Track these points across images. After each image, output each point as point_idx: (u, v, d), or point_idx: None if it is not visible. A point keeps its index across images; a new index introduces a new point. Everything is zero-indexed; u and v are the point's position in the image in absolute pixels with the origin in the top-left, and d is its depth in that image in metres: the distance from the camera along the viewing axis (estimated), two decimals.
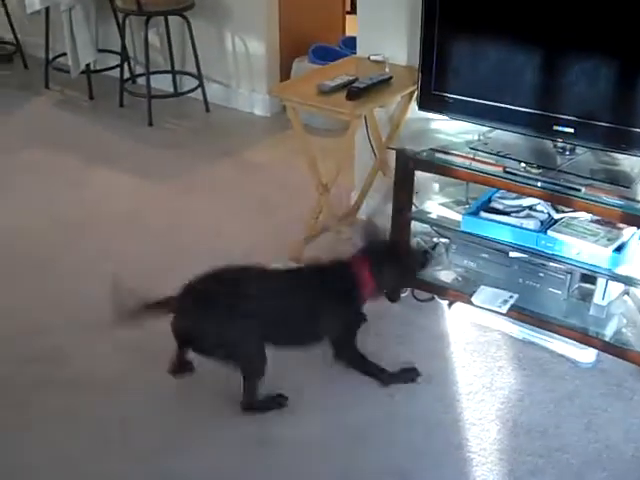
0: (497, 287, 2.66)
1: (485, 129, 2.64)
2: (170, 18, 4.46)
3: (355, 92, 2.68)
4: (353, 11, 5.53)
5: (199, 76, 4.53)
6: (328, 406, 2.43)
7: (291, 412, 2.37)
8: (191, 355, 2.41)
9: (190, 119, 4.57)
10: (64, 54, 4.69)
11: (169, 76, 4.75)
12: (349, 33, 4.90)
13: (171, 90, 4.75)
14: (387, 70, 2.87)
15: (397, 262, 2.44)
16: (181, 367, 2.45)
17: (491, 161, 2.54)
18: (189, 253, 3.15)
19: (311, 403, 2.42)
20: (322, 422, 2.36)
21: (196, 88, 4.59)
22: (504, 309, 2.58)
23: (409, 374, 2.51)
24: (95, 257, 3.15)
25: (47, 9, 4.66)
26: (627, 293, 2.68)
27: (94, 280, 2.87)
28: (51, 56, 4.89)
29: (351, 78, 2.78)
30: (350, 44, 4.39)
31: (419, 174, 2.70)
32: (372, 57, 3.01)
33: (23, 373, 2.53)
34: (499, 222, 2.57)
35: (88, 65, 4.63)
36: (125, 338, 2.55)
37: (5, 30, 5.28)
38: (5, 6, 5.00)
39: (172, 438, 2.30)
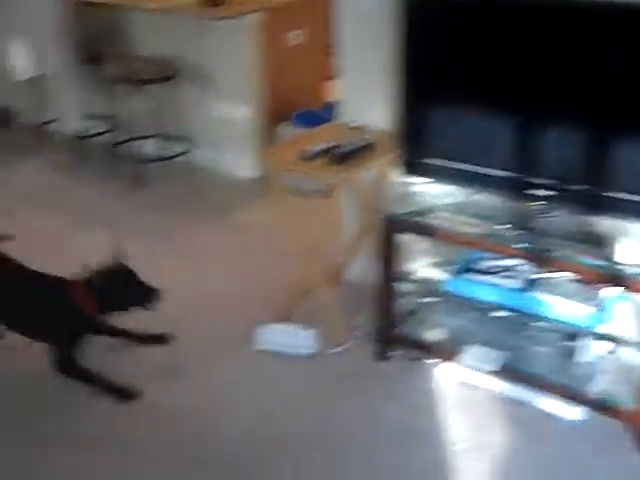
0: (484, 346, 2.70)
1: (468, 191, 2.70)
2: (158, 85, 4.56)
3: (338, 157, 2.75)
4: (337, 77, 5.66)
5: (187, 140, 4.62)
6: None
7: None
8: None
9: (178, 182, 4.63)
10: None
11: (157, 140, 4.83)
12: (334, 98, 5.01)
13: (159, 154, 4.83)
14: (367, 136, 2.95)
15: (108, 285, 2.72)
16: None
17: (474, 223, 2.60)
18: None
19: None
20: None
21: (184, 152, 4.67)
22: (494, 367, 2.61)
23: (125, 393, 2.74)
24: None
25: None
26: (614, 351, 2.72)
27: None
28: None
29: (333, 144, 2.85)
30: (333, 109, 4.51)
31: (404, 236, 2.75)
32: (352, 124, 3.09)
33: None
34: (483, 283, 2.62)
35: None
36: None
37: None
38: None
39: None
